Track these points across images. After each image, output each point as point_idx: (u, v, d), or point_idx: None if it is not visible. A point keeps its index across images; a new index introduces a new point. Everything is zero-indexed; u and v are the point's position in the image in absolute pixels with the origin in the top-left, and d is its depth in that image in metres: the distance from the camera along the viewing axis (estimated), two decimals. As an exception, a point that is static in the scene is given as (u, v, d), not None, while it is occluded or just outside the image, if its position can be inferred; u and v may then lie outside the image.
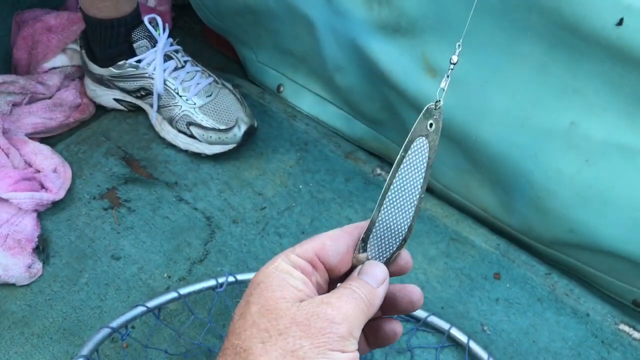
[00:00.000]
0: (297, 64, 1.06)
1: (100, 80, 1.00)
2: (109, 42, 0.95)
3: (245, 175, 0.96)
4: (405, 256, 0.46)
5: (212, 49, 1.21)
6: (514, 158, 0.78)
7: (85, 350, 0.67)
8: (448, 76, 0.47)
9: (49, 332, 0.77)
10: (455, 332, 0.76)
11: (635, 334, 0.77)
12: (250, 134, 0.95)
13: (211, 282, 0.77)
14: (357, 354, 0.38)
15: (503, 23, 0.70)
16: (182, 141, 0.96)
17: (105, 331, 0.70)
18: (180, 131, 0.96)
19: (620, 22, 0.59)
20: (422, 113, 0.46)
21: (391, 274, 0.45)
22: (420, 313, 0.78)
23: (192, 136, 0.95)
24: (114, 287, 0.82)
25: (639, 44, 0.60)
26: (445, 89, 0.46)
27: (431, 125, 0.46)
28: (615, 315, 0.80)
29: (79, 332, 0.77)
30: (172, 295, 0.75)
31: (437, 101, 0.46)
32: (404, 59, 0.84)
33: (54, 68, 1.04)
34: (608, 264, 0.81)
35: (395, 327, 0.46)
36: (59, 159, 0.94)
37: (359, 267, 0.43)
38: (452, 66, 0.47)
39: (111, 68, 0.97)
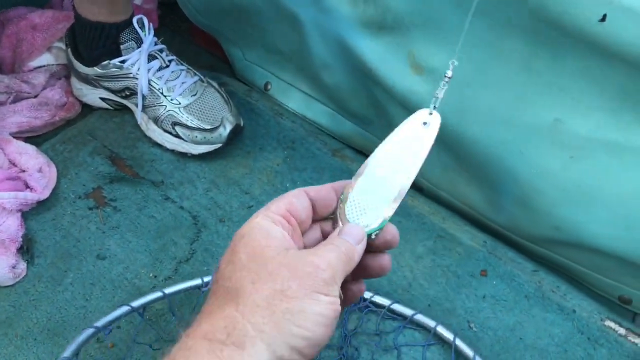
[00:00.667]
0: (285, 62, 1.06)
1: (86, 79, 1.00)
2: (97, 43, 0.95)
3: (232, 174, 0.96)
4: (391, 230, 0.49)
5: (199, 47, 1.21)
6: (499, 155, 0.78)
7: (67, 352, 0.67)
8: (443, 86, 0.49)
9: (33, 333, 0.77)
10: (441, 329, 0.76)
11: (621, 330, 0.78)
12: (236, 133, 0.95)
13: (197, 282, 0.77)
14: (338, 300, 0.42)
15: (487, 20, 0.70)
16: (168, 141, 0.96)
17: (88, 331, 0.70)
18: (165, 131, 0.95)
19: (603, 18, 0.59)
20: (413, 115, 0.50)
21: (379, 248, 0.49)
22: (406, 311, 0.78)
23: (177, 136, 0.94)
24: (99, 287, 0.81)
25: (622, 39, 0.60)
26: (439, 97, 0.50)
27: (425, 123, 0.50)
28: (601, 312, 0.80)
29: (63, 333, 0.77)
30: (157, 294, 0.75)
31: (432, 107, 0.50)
32: (390, 56, 0.83)
33: (40, 67, 1.03)
34: (594, 261, 0.81)
35: (361, 286, 0.50)
36: (44, 158, 0.93)
37: (339, 228, 0.47)
38: (446, 79, 0.50)
39: (95, 68, 0.96)
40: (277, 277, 0.40)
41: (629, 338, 0.77)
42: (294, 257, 0.42)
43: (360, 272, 0.49)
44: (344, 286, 0.48)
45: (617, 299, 0.83)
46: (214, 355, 0.38)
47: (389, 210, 0.48)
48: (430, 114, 0.50)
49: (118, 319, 0.73)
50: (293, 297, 0.39)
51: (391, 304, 0.78)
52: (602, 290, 0.84)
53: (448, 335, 0.76)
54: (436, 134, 0.50)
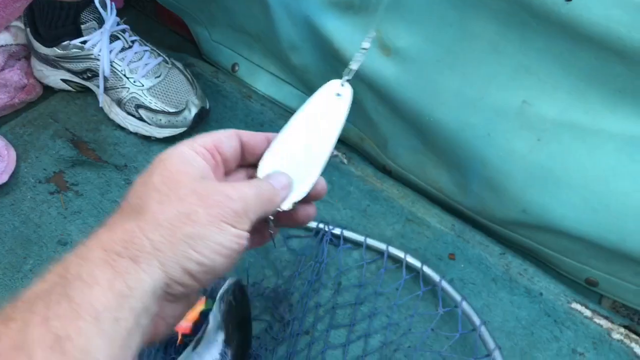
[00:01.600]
0: (252, 43, 1.03)
1: (47, 60, 0.96)
2: (55, 22, 0.91)
3: (198, 157, 0.93)
4: (320, 182, 0.50)
5: (165, 27, 1.18)
6: (466, 138, 0.77)
7: None
8: (359, 58, 0.53)
9: (-9, 321, 0.74)
10: (410, 259, 0.80)
11: (587, 312, 0.78)
12: (201, 116, 0.93)
13: None
14: (247, 235, 0.41)
15: (455, 0, 0.69)
16: (132, 123, 0.93)
17: None
18: (129, 113, 0.92)
19: (569, -1, 0.58)
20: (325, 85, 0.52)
21: (307, 200, 0.49)
22: (358, 237, 0.83)
23: (141, 119, 0.92)
24: (60, 274, 0.79)
25: (589, 20, 0.59)
26: (354, 70, 0.52)
27: (338, 95, 0.52)
28: (568, 294, 0.80)
29: (22, 321, 0.75)
30: None
31: (345, 79, 0.53)
32: (358, 37, 0.82)
33: (-3, 47, 0.99)
34: (561, 244, 0.81)
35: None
36: (3, 141, 0.90)
37: (266, 174, 0.48)
38: (363, 51, 0.52)
39: (55, 48, 0.93)
40: (185, 202, 0.40)
41: (595, 320, 0.77)
42: (208, 185, 0.42)
43: (284, 220, 0.50)
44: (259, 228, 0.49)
45: (584, 281, 0.83)
46: (108, 265, 0.37)
47: (308, 184, 0.49)
48: (342, 85, 0.51)
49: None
50: (197, 222, 0.39)
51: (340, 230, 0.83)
52: (568, 272, 0.85)
53: (416, 263, 0.80)
54: (348, 105, 0.51)
